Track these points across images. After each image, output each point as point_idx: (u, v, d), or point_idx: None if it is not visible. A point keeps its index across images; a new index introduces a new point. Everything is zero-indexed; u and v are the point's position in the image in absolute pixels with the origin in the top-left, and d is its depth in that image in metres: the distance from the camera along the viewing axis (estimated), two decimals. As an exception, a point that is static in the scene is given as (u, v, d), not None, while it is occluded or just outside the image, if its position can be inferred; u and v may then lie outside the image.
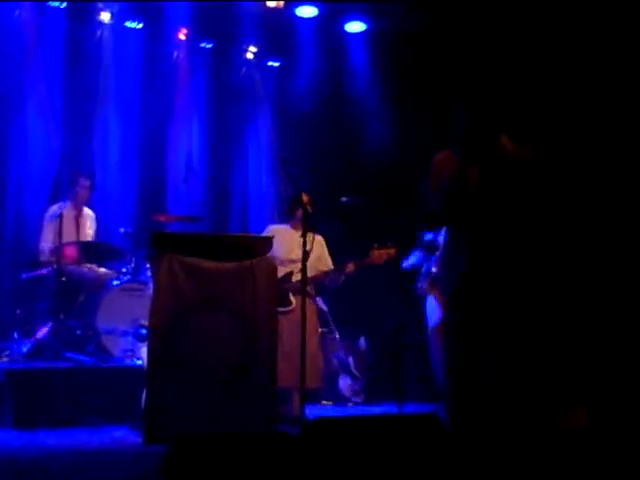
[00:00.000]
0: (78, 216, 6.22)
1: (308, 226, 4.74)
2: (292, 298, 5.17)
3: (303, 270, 4.60)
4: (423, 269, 5.74)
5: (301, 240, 4.95)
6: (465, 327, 3.47)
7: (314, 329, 5.24)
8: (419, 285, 5.76)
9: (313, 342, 5.10)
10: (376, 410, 5.96)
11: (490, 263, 3.48)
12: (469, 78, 5.76)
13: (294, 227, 5.36)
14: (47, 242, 5.95)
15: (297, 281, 5.16)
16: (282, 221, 5.51)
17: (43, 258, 5.97)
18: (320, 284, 5.39)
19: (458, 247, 3.58)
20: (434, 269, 5.68)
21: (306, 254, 4.65)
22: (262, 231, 5.50)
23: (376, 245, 5.22)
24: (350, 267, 5.27)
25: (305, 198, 5.27)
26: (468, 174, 3.52)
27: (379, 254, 5.23)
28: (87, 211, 6.36)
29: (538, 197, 3.55)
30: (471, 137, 3.59)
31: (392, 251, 5.31)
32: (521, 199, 3.52)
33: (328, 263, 5.41)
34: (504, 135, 3.63)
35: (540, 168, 3.57)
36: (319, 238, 5.32)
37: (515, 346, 3.46)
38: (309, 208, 5.18)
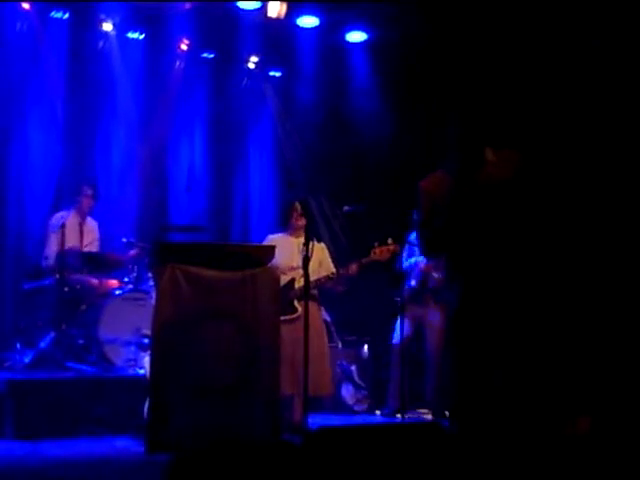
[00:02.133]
0: (82, 224, 6.23)
1: (309, 234, 4.75)
2: (297, 305, 5.17)
3: (305, 276, 4.59)
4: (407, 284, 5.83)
5: (301, 247, 4.99)
6: (470, 341, 3.46)
7: (321, 332, 5.27)
8: (397, 299, 5.82)
9: (322, 346, 5.17)
10: (379, 418, 5.95)
11: (489, 280, 3.46)
12: (468, 87, 5.78)
13: (292, 235, 5.38)
14: (51, 252, 5.96)
15: (300, 287, 5.16)
16: (280, 230, 5.52)
17: (47, 267, 5.97)
18: (324, 288, 5.39)
19: (457, 267, 3.54)
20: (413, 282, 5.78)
21: (307, 260, 4.63)
22: (262, 241, 5.50)
23: (377, 244, 5.24)
24: (353, 268, 5.25)
25: (298, 207, 5.30)
26: (462, 194, 3.47)
27: (380, 251, 5.24)
28: (90, 220, 6.37)
29: (532, 210, 3.51)
30: (463, 156, 3.52)
31: (394, 247, 5.35)
32: (515, 214, 3.48)
33: (330, 268, 5.40)
34: (489, 149, 3.56)
35: (532, 179, 3.54)
36: (320, 245, 5.33)
37: (519, 355, 3.45)
38: (302, 217, 5.22)
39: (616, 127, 5.17)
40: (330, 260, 5.42)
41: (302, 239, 5.12)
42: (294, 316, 5.10)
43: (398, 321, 5.76)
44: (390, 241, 5.27)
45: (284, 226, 5.44)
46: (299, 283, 5.17)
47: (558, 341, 3.77)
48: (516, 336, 3.43)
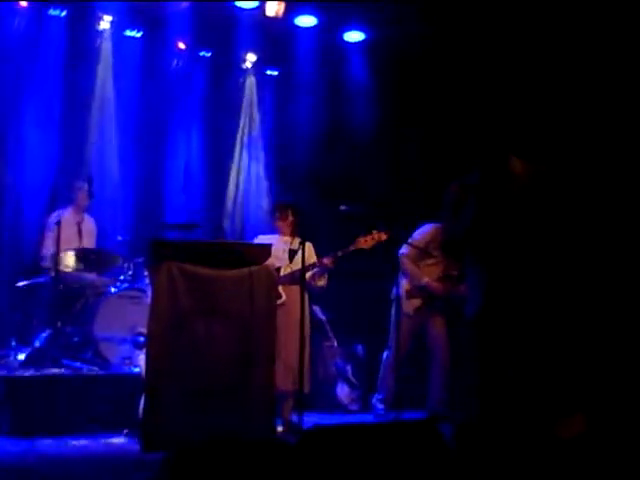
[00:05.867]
0: (80, 222, 6.21)
1: (300, 235, 4.79)
2: (281, 291, 5.13)
3: (302, 276, 4.59)
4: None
5: (288, 242, 5.22)
6: (492, 340, 3.52)
7: (297, 323, 4.78)
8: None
9: (297, 339, 4.74)
10: (373, 417, 5.94)
11: (508, 284, 3.52)
12: (473, 89, 5.78)
13: (283, 235, 5.42)
14: (48, 249, 5.95)
15: (285, 275, 5.19)
16: (271, 231, 5.51)
17: (44, 264, 5.96)
18: (309, 286, 5.38)
19: (478, 271, 3.60)
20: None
21: (294, 253, 4.74)
22: (254, 240, 5.51)
23: (362, 234, 5.28)
24: (325, 260, 5.26)
25: (292, 211, 5.34)
26: (485, 198, 3.52)
27: (365, 240, 5.26)
28: (88, 218, 6.36)
29: (552, 217, 3.55)
30: (483, 162, 3.58)
31: (382, 236, 5.33)
32: (535, 220, 3.53)
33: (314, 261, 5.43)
34: (514, 157, 3.62)
35: (554, 187, 3.57)
36: (308, 243, 5.35)
37: (518, 354, 3.48)
38: (294, 218, 5.25)
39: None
40: (315, 257, 5.44)
41: (290, 237, 5.32)
42: (278, 302, 4.96)
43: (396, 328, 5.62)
44: (375, 231, 5.30)
45: (276, 227, 5.45)
46: (285, 270, 5.23)
47: (555, 339, 3.79)
48: (521, 331, 3.48)
